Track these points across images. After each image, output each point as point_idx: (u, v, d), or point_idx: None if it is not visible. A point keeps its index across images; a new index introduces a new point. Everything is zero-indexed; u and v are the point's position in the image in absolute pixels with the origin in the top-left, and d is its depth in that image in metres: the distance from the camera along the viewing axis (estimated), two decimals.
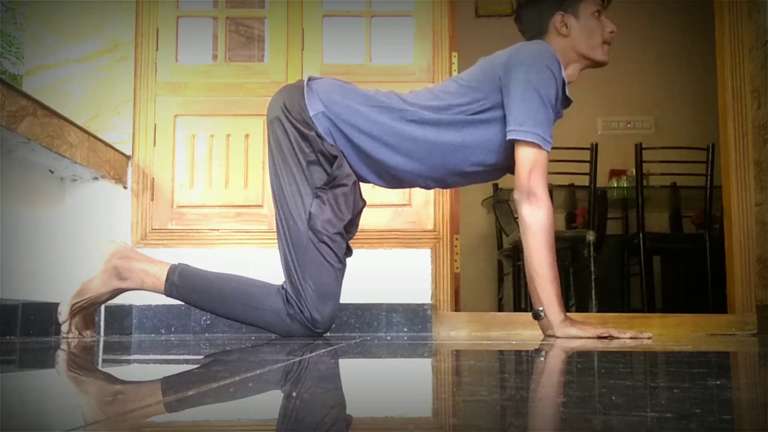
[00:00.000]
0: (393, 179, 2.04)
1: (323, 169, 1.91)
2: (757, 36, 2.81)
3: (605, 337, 1.80)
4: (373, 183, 2.07)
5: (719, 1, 3.01)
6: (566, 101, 2.01)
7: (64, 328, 1.96)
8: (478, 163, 1.99)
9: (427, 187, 2.11)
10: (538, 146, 1.86)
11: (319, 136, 1.91)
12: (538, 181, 1.87)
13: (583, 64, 2.06)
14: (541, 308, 1.88)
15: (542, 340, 1.82)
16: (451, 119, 1.94)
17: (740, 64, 2.89)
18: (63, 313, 1.95)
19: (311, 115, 1.92)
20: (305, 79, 2.02)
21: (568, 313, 1.89)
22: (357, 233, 2.13)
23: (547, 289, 1.86)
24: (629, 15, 4.99)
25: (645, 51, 5.25)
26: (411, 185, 2.11)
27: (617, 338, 1.80)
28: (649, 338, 1.84)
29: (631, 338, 1.82)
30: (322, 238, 1.88)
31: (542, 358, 1.27)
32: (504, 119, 1.92)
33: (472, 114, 1.94)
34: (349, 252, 2.02)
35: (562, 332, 1.83)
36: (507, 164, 1.99)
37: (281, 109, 1.95)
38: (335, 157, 1.91)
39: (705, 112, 4.79)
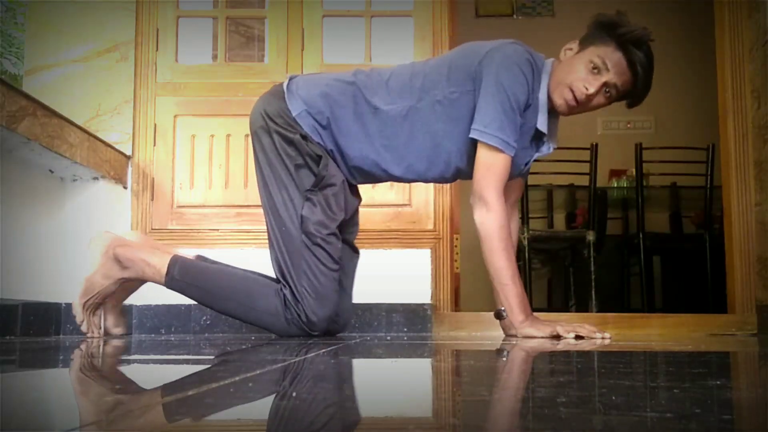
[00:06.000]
0: (367, 177, 2.01)
1: (311, 171, 1.90)
2: (757, 36, 2.81)
3: (555, 337, 1.78)
4: (351, 180, 2.02)
5: (719, 1, 3.01)
6: (539, 134, 1.92)
7: (84, 327, 1.98)
8: (451, 163, 1.95)
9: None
10: (499, 150, 1.82)
11: (304, 137, 1.89)
12: (489, 185, 1.83)
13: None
14: (502, 308, 1.88)
15: (503, 340, 1.82)
16: (422, 106, 1.90)
17: (740, 64, 2.89)
18: (77, 314, 1.96)
19: (294, 115, 1.91)
20: (284, 81, 1.99)
21: (568, 313, 1.89)
22: (358, 233, 2.13)
23: (504, 292, 1.85)
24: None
25: None
26: (384, 181, 2.07)
27: (565, 338, 1.76)
28: (608, 338, 1.78)
29: (579, 337, 1.77)
30: (315, 240, 1.87)
31: (542, 358, 1.27)
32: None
33: (446, 102, 1.89)
34: (356, 253, 2.00)
35: (521, 332, 1.83)
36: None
37: (262, 117, 1.94)
38: (320, 158, 1.90)
39: (705, 112, 4.78)
